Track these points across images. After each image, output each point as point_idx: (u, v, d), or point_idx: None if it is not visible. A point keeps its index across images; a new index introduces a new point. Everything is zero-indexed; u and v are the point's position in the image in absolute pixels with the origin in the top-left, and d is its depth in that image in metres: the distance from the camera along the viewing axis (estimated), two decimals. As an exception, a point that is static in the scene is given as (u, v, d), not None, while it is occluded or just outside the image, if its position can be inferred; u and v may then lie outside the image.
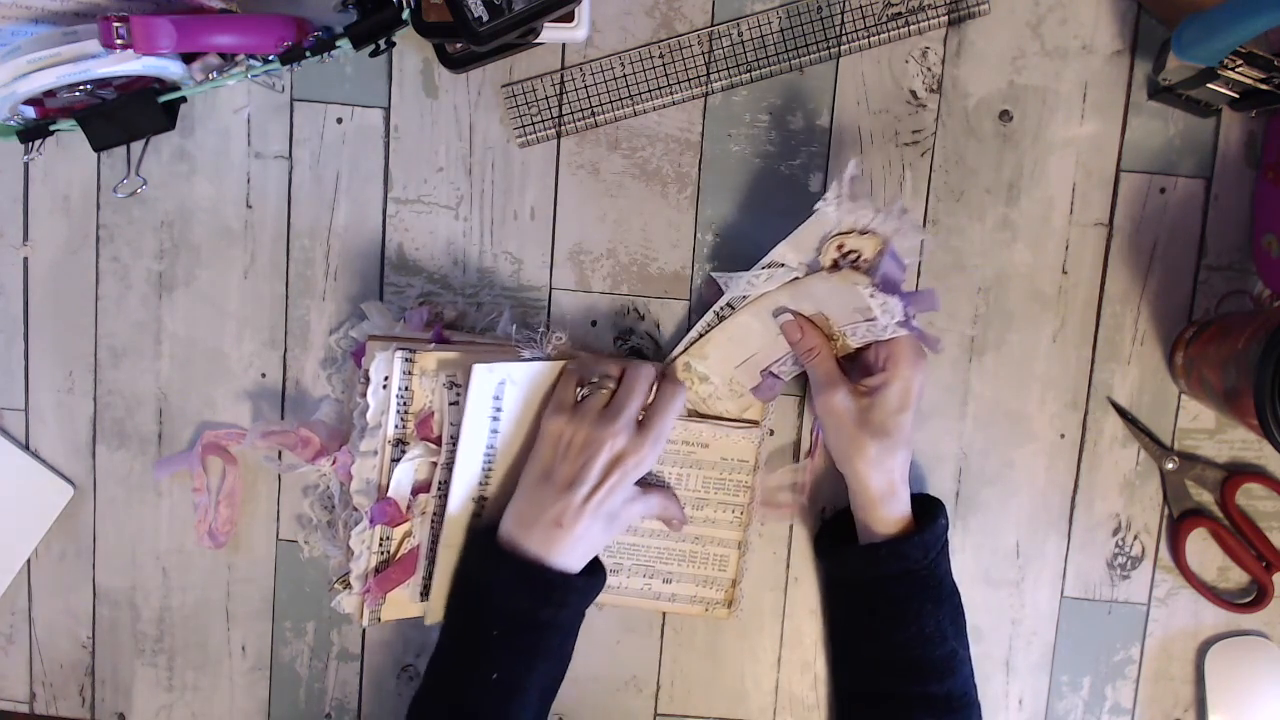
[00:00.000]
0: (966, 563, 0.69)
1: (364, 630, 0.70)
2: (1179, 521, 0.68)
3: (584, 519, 0.58)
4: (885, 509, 0.61)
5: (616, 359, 0.64)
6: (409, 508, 0.64)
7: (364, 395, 0.63)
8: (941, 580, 0.62)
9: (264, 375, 0.68)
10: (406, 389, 0.63)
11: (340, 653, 0.70)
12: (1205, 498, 0.68)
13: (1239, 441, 0.68)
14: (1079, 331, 0.67)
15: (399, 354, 0.62)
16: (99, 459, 0.69)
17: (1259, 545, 0.67)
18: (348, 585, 0.65)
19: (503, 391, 0.62)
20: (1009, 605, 0.69)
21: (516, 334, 0.65)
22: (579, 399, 0.61)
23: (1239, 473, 0.67)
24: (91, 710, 0.71)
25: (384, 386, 0.63)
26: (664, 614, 0.69)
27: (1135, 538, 0.68)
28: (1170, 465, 0.67)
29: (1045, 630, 0.69)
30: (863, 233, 0.60)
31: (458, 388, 0.62)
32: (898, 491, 0.62)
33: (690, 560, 0.67)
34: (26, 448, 0.69)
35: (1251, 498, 0.68)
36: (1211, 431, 0.68)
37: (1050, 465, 0.68)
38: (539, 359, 0.63)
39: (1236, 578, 0.69)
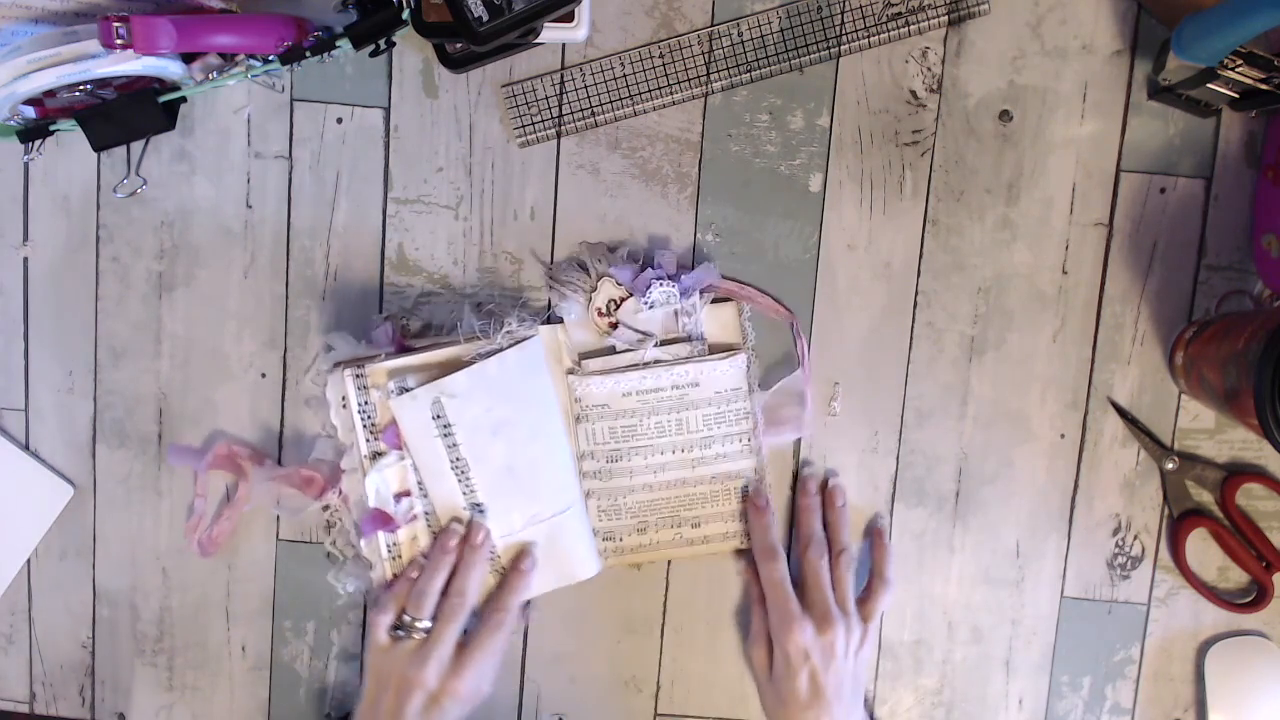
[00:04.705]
0: (966, 563, 0.69)
1: (364, 630, 0.70)
2: (1179, 521, 0.67)
3: None
4: None
5: (442, 570, 0.64)
6: (396, 514, 0.65)
7: (332, 418, 0.65)
8: None
9: (264, 375, 0.68)
10: (367, 403, 0.64)
11: (340, 653, 0.70)
12: (1205, 498, 0.68)
13: (1239, 441, 0.67)
14: (1079, 331, 0.67)
15: (346, 372, 0.63)
16: (99, 459, 0.69)
17: (1259, 545, 0.67)
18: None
19: (443, 410, 0.63)
20: (1009, 605, 0.69)
21: (478, 328, 0.65)
22: (394, 638, 0.63)
23: (1239, 473, 0.67)
24: (91, 710, 0.71)
25: (343, 406, 0.64)
26: (676, 559, 0.68)
27: (1135, 538, 0.68)
28: (1170, 465, 0.67)
29: (1045, 630, 0.69)
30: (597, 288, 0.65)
31: (407, 391, 0.63)
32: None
33: (713, 500, 0.67)
34: (26, 448, 0.69)
35: (1251, 498, 0.68)
36: (1211, 431, 0.68)
37: (1050, 465, 0.68)
38: (495, 350, 0.63)
39: (1236, 578, 0.69)
